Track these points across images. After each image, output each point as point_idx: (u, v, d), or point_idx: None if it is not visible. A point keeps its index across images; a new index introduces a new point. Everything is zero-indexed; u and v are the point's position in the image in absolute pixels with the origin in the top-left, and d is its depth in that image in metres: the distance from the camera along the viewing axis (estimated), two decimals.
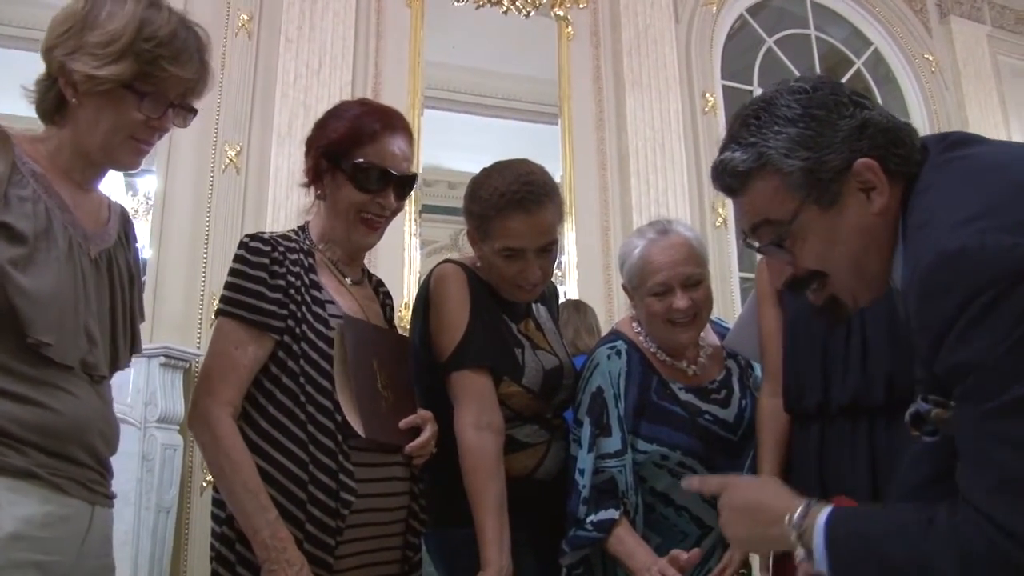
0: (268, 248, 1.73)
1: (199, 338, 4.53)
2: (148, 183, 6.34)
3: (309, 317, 1.72)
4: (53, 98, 1.56)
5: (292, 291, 1.72)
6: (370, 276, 2.01)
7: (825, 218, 1.23)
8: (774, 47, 6.52)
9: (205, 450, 1.64)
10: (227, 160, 4.77)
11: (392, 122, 1.86)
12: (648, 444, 2.03)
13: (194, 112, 1.65)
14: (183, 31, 1.58)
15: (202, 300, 4.59)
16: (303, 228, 1.89)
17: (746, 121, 1.28)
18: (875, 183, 1.21)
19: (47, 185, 1.50)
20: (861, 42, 6.87)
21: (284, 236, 1.81)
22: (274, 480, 1.62)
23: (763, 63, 6.46)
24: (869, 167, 1.21)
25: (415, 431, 1.80)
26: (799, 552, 1.18)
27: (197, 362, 4.46)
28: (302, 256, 1.78)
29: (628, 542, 1.92)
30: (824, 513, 1.18)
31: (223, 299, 1.72)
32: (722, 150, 1.31)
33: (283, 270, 1.72)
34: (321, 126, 1.87)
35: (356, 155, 1.80)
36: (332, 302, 1.78)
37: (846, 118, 1.23)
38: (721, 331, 2.33)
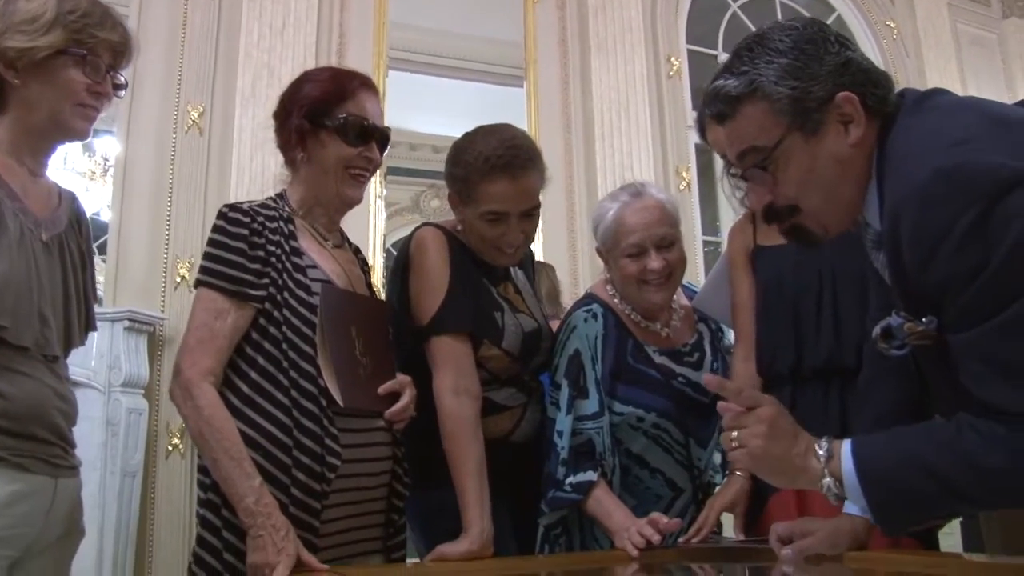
0: (247, 219, 1.74)
1: (163, 301, 4.48)
2: (105, 144, 6.25)
3: (290, 284, 1.72)
4: None
5: (273, 259, 1.72)
6: (348, 241, 2.01)
7: (807, 146, 1.32)
8: (739, 12, 6.53)
9: (188, 420, 1.64)
10: (190, 121, 4.69)
11: (367, 81, 1.91)
12: (624, 406, 2.07)
13: (124, 87, 1.75)
14: (99, 5, 1.69)
15: (166, 263, 4.53)
16: (281, 195, 1.89)
17: (739, 53, 1.38)
18: (853, 116, 1.31)
19: None
20: (824, 8, 6.90)
21: (263, 205, 1.81)
22: (258, 445, 1.63)
23: (728, 28, 6.47)
24: (849, 100, 1.31)
25: (394, 396, 1.81)
26: (827, 481, 1.25)
27: (161, 325, 4.43)
28: (282, 223, 1.78)
29: (606, 503, 1.95)
30: (846, 441, 1.26)
31: (202, 269, 1.72)
32: (715, 79, 1.39)
33: (262, 240, 1.73)
34: (295, 91, 1.87)
35: (339, 111, 1.82)
36: (314, 266, 1.79)
37: (831, 54, 1.33)
38: (691, 295, 2.37)
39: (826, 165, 1.32)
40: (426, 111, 5.98)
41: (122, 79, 1.73)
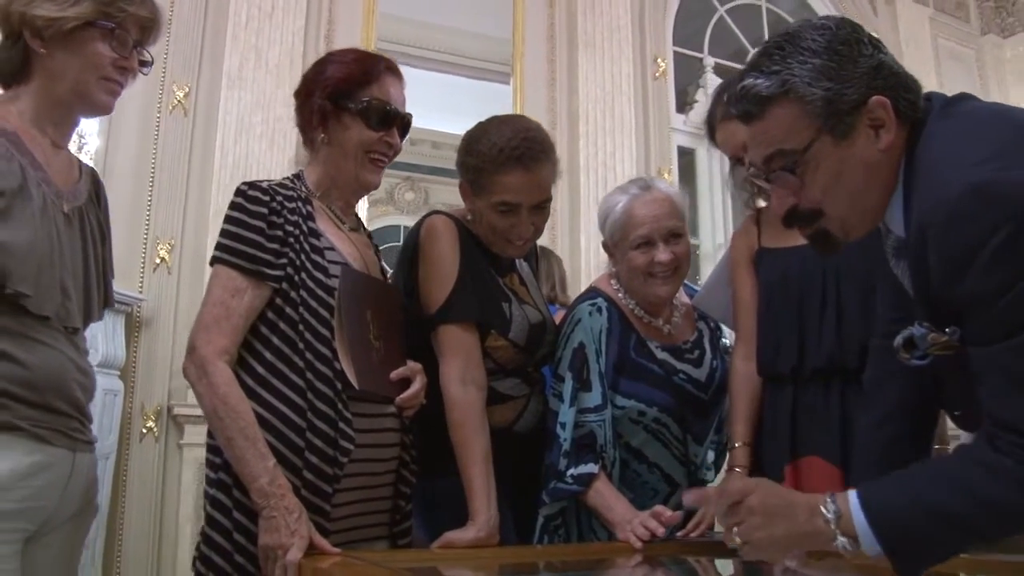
0: (267, 198, 1.72)
1: (142, 282, 4.42)
2: (82, 121, 6.14)
3: (308, 265, 1.71)
4: (16, 58, 1.61)
5: (291, 239, 1.71)
6: (363, 225, 1.99)
7: (837, 149, 1.30)
8: (725, 16, 6.56)
9: (201, 398, 1.62)
10: (175, 101, 4.62)
11: (392, 65, 1.90)
12: (626, 400, 2.07)
13: (150, 64, 1.73)
14: None
15: (145, 244, 4.46)
16: (298, 176, 1.87)
17: (769, 52, 1.34)
18: (885, 121, 1.29)
19: (19, 143, 1.56)
20: (809, 16, 6.94)
21: (281, 184, 1.79)
22: (272, 427, 1.62)
23: (714, 31, 6.51)
24: (882, 104, 1.28)
25: (405, 382, 1.81)
26: (840, 541, 1.19)
27: (139, 307, 4.37)
28: (300, 204, 1.76)
29: (607, 495, 1.96)
30: (852, 494, 1.20)
31: (219, 247, 1.70)
32: (742, 78, 1.36)
33: (281, 220, 1.71)
34: (318, 71, 1.86)
35: (363, 95, 1.82)
36: (332, 248, 1.78)
37: (866, 56, 1.30)
38: (691, 293, 2.38)
39: (855, 170, 1.30)
40: (407, 103, 5.94)
41: (148, 56, 1.72)
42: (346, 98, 1.81)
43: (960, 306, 1.18)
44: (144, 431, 4.30)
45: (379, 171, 1.87)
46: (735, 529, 1.27)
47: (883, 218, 1.36)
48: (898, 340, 1.33)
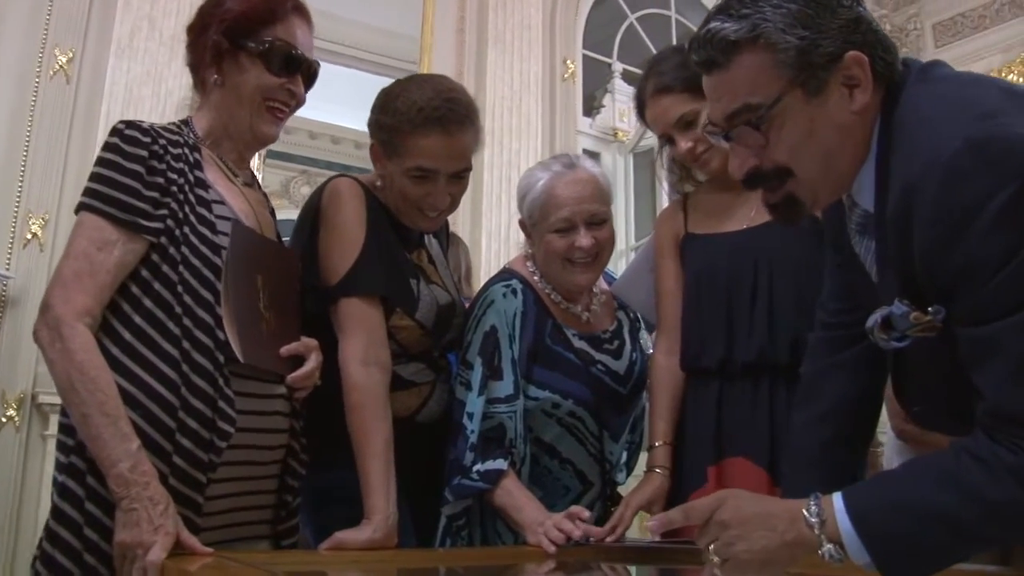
0: (148, 139, 1.49)
1: (9, 259, 4.09)
2: None
3: (192, 218, 1.49)
4: None
5: (174, 188, 1.48)
6: (258, 182, 1.79)
7: (807, 107, 1.19)
8: (635, 23, 6.54)
9: (54, 366, 1.37)
10: (56, 66, 4.31)
11: (300, 6, 1.69)
12: (540, 390, 1.92)
13: None
14: None
15: (15, 218, 4.13)
16: (186, 122, 1.65)
17: None
18: (860, 80, 1.18)
19: None
20: None
21: (165, 128, 1.57)
22: (138, 403, 1.39)
23: (623, 38, 6.48)
24: (859, 61, 1.18)
25: (297, 360, 1.60)
26: (826, 549, 1.07)
27: (5, 285, 4.04)
28: (186, 151, 1.54)
29: (516, 495, 1.80)
30: (836, 497, 1.09)
31: (88, 192, 1.46)
32: (707, 22, 1.23)
33: (163, 166, 1.49)
34: (216, 4, 1.64)
35: (265, 34, 1.61)
36: (221, 202, 1.56)
37: (844, 7, 1.19)
38: (610, 280, 2.25)
39: (825, 130, 1.19)
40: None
41: None
42: (245, 36, 1.59)
43: (950, 279, 1.06)
44: (4, 420, 3.99)
45: (278, 123, 1.66)
46: (711, 548, 1.14)
47: (850, 188, 1.25)
48: (873, 320, 1.20)
